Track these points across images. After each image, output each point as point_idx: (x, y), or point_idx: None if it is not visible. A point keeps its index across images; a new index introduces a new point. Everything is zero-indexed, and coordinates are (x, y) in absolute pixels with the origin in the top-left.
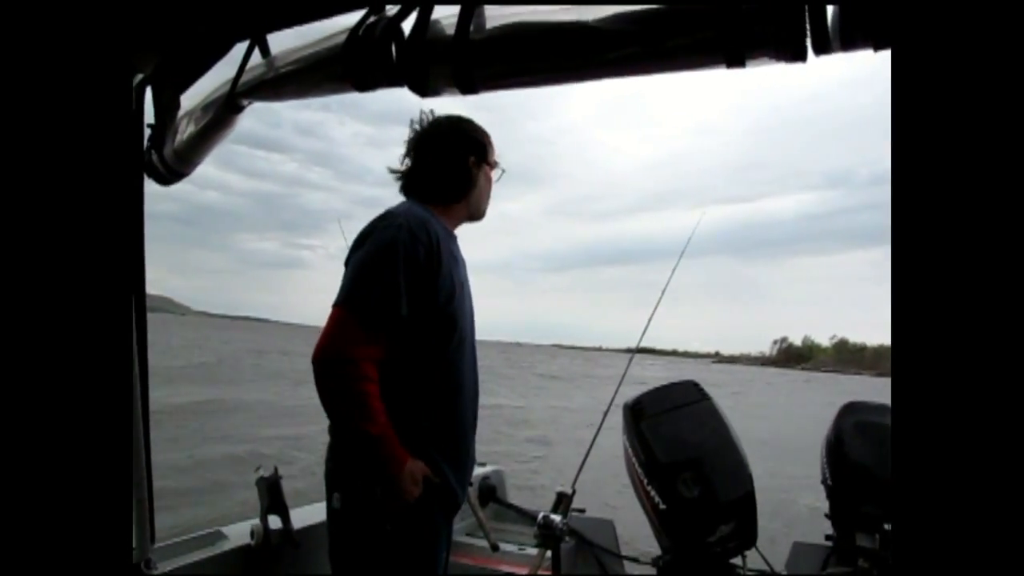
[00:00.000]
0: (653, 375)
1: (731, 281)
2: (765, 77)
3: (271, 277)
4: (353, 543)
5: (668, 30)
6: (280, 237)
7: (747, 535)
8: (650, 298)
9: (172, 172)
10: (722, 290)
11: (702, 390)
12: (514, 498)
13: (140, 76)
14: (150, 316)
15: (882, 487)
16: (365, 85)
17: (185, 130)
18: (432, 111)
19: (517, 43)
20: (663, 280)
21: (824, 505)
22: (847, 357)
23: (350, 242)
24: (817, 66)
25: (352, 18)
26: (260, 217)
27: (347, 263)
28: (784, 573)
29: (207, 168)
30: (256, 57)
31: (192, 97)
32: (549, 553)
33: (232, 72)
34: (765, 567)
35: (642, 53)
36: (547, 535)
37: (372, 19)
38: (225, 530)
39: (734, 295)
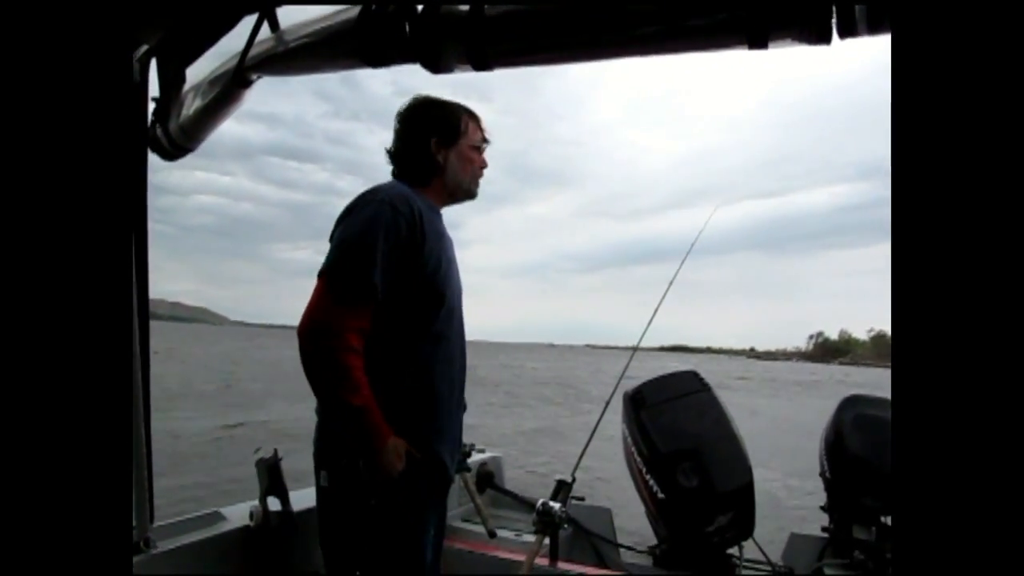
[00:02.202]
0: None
1: (764, 276)
2: (794, 68)
3: (305, 286)
4: (340, 520)
5: (690, 9)
6: (313, 245)
7: (744, 526)
8: (683, 295)
9: (177, 147)
10: (755, 286)
11: (703, 380)
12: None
13: (144, 48)
14: (190, 327)
15: (881, 480)
16: (378, 61)
17: (191, 104)
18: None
19: (533, 20)
20: (696, 278)
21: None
22: (885, 351)
23: None
24: (845, 53)
25: None
26: (293, 227)
27: (331, 238)
28: (780, 564)
29: (241, 180)
30: (264, 31)
31: (198, 71)
32: (547, 540)
33: (239, 46)
34: (762, 557)
35: (662, 32)
36: (546, 522)
37: None
38: (224, 511)
39: (768, 290)
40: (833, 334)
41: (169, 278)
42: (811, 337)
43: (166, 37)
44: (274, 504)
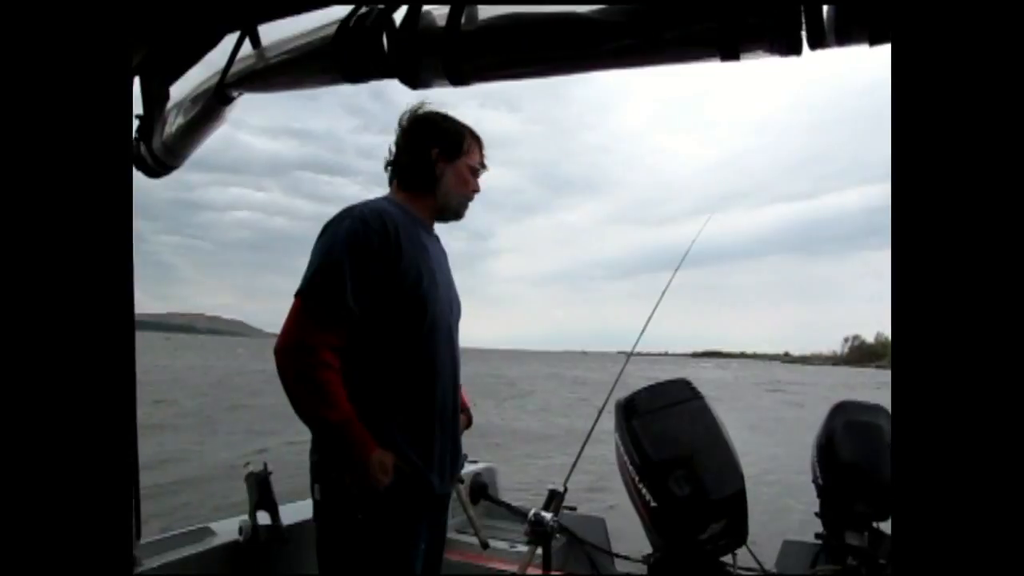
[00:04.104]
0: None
1: (798, 279)
2: (823, 68)
3: None
4: (331, 534)
5: (662, 22)
6: None
7: (738, 533)
8: (716, 300)
9: (161, 164)
10: (789, 289)
11: (694, 388)
12: (506, 495)
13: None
14: (228, 340)
15: (872, 486)
16: (356, 77)
17: (174, 122)
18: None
19: (509, 35)
20: (729, 282)
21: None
22: None
23: None
24: (875, 52)
25: (343, 10)
26: None
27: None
28: (774, 571)
29: (275, 195)
30: (246, 48)
31: (181, 88)
32: (540, 550)
33: (222, 63)
34: (755, 565)
35: (636, 45)
36: (538, 532)
37: (363, 10)
38: (213, 526)
39: (802, 294)
40: (869, 337)
41: (207, 292)
42: (846, 340)
43: (149, 55)
44: (264, 518)
